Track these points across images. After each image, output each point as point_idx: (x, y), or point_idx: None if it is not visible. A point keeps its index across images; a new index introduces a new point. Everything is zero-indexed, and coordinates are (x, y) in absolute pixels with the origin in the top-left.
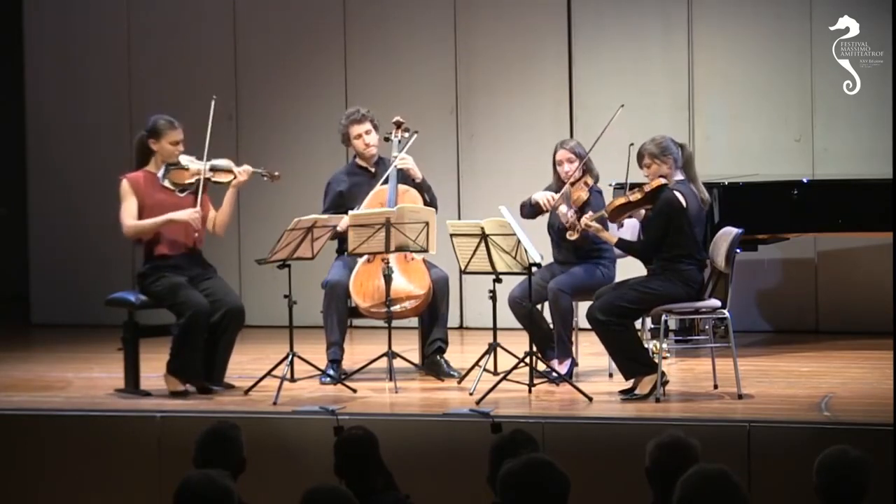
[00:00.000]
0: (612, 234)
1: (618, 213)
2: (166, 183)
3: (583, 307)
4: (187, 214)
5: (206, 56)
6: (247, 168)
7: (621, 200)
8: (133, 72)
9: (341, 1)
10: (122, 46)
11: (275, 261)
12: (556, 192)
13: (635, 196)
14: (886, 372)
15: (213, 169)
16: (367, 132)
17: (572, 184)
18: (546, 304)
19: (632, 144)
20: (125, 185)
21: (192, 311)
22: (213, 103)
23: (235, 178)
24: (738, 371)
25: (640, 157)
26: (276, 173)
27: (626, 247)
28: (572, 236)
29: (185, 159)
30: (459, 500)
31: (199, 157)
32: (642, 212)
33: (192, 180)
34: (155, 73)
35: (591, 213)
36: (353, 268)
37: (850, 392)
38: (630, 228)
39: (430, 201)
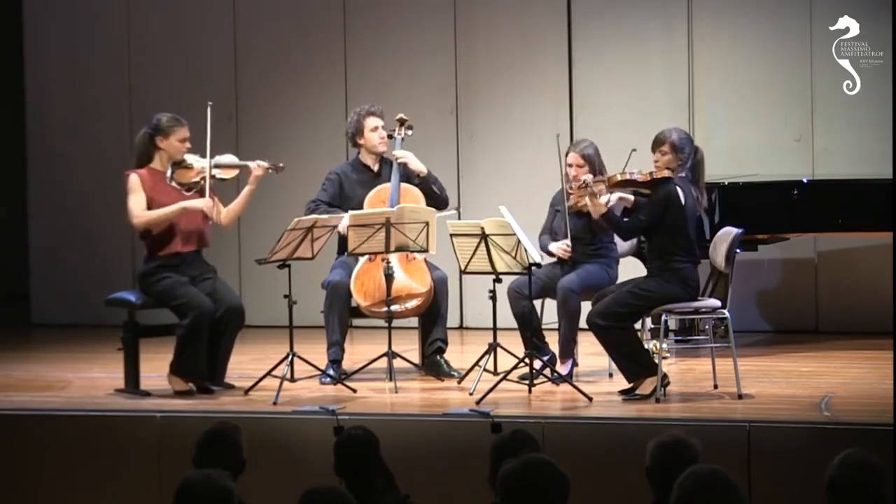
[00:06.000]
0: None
1: (618, 185)
2: (173, 184)
3: (585, 308)
4: (202, 203)
5: (207, 56)
6: (261, 164)
7: (626, 176)
8: (133, 72)
9: (341, 1)
10: (122, 46)
11: (275, 261)
12: (556, 195)
13: (643, 177)
14: (886, 372)
15: (218, 166)
16: (382, 127)
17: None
18: (544, 300)
19: (634, 150)
20: (135, 179)
21: (197, 311)
22: (209, 109)
23: (245, 172)
24: (738, 371)
25: (659, 141)
26: (281, 164)
27: (613, 221)
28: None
29: (190, 158)
30: (459, 500)
31: (203, 156)
32: (632, 198)
33: (197, 179)
34: (155, 73)
35: (592, 176)
36: (355, 267)
37: (850, 392)
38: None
39: (440, 192)
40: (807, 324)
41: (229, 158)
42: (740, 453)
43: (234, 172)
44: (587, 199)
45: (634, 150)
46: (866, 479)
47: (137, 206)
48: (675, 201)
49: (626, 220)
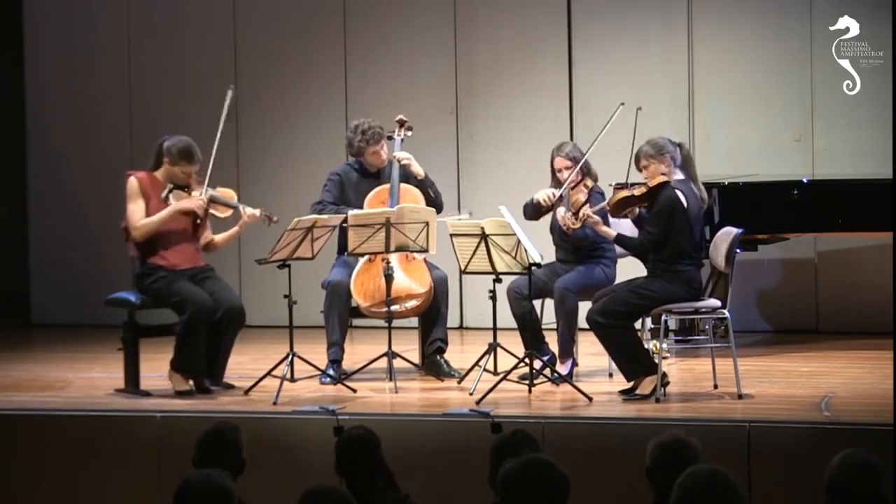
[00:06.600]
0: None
1: (619, 208)
2: (170, 201)
3: (583, 307)
4: (193, 202)
5: (207, 56)
6: (253, 213)
7: (623, 195)
8: (133, 72)
9: (341, 1)
10: (122, 47)
11: (275, 261)
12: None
13: (639, 191)
14: (886, 372)
15: (213, 200)
16: (382, 148)
17: (572, 188)
18: (544, 301)
19: (639, 108)
20: (133, 183)
21: (195, 307)
22: (228, 93)
23: (238, 214)
24: (738, 371)
25: (637, 160)
26: (275, 218)
27: (625, 242)
28: (570, 230)
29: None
30: (459, 500)
31: (208, 178)
32: (637, 210)
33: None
34: (155, 73)
35: (581, 184)
36: (354, 267)
37: (850, 392)
38: (627, 230)
39: (435, 197)
40: (807, 324)
41: (226, 196)
42: (740, 453)
43: (228, 212)
44: (596, 229)
45: (640, 108)
46: (865, 479)
47: (136, 215)
48: (678, 205)
49: (634, 238)
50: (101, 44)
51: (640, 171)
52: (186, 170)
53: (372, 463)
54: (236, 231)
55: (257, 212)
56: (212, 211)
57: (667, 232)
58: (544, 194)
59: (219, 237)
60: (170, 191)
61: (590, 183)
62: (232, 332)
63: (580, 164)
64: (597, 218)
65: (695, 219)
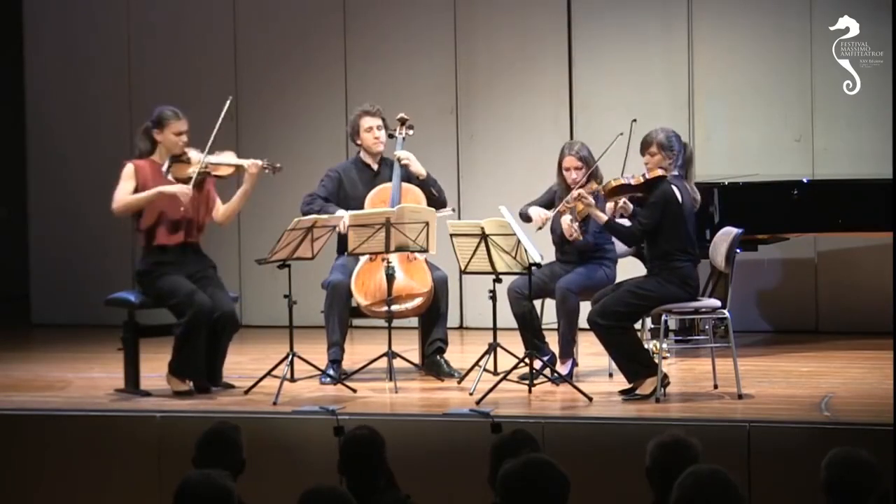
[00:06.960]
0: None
1: (614, 193)
2: (169, 177)
3: (584, 308)
4: (178, 188)
5: (207, 56)
6: (255, 163)
7: (620, 182)
8: (133, 72)
9: (341, 1)
10: (122, 46)
11: (275, 261)
12: (557, 194)
13: (636, 180)
14: (886, 372)
15: (212, 163)
16: (378, 127)
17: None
18: (544, 301)
19: (634, 120)
20: (129, 168)
21: (195, 309)
22: (227, 103)
23: (239, 171)
24: (738, 371)
25: (647, 143)
26: (278, 164)
27: (616, 229)
28: (574, 239)
29: (190, 152)
30: (459, 500)
31: (203, 150)
32: (631, 207)
33: (193, 174)
34: (155, 73)
35: (584, 189)
36: (355, 267)
37: (850, 392)
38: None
39: (438, 195)
40: (807, 324)
41: (225, 156)
42: (740, 453)
43: (230, 170)
44: (589, 211)
45: (635, 119)
46: (854, 476)
47: (120, 193)
48: (673, 200)
49: (627, 226)
50: (101, 44)
51: (642, 154)
52: (177, 128)
53: (375, 463)
54: (244, 190)
55: (260, 161)
56: (215, 173)
57: (659, 223)
58: (537, 214)
59: (229, 204)
60: (169, 165)
61: (595, 186)
62: (227, 337)
63: (591, 168)
64: (590, 199)
65: (688, 214)
